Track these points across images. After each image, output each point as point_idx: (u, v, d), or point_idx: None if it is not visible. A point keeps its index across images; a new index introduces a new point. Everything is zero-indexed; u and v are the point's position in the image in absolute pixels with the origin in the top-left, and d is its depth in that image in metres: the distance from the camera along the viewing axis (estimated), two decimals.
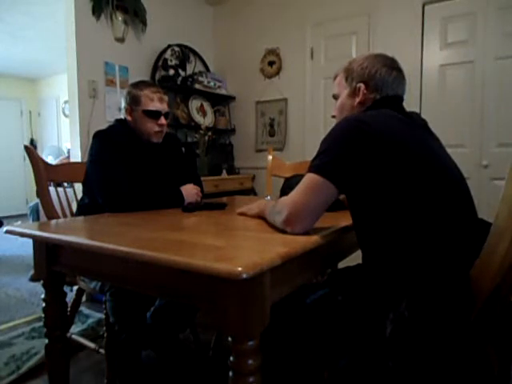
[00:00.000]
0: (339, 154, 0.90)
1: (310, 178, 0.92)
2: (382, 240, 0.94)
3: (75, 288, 1.64)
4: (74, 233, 1.05)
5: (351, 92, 1.10)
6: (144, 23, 2.98)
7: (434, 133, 1.06)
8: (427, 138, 1.00)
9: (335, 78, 1.18)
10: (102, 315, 2.01)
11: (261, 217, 1.16)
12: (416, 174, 0.89)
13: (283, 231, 0.94)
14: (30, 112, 6.78)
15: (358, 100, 1.08)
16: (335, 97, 1.17)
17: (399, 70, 1.08)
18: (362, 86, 1.07)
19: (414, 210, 0.88)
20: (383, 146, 0.88)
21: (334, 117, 1.17)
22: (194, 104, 3.44)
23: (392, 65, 1.08)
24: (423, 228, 0.88)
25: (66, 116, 6.13)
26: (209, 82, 3.40)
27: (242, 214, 1.28)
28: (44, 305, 1.16)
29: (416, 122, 1.02)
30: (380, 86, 1.05)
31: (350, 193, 0.99)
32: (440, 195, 0.89)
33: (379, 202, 0.92)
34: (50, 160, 4.53)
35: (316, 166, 0.92)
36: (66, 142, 5.89)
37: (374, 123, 0.91)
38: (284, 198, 0.97)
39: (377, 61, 1.08)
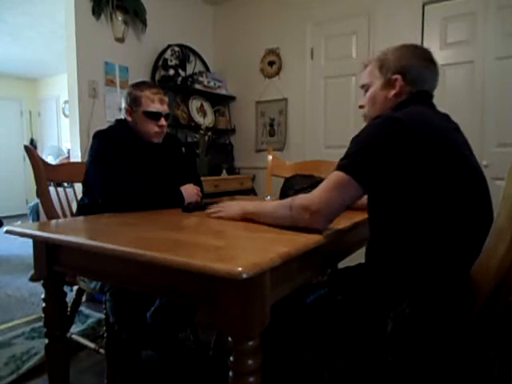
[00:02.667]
0: (373, 155, 0.87)
1: (338, 176, 0.90)
2: (393, 236, 0.94)
3: (75, 288, 1.64)
4: (74, 233, 1.05)
5: (385, 83, 1.04)
6: (144, 23, 2.98)
7: (464, 136, 1.03)
8: (463, 141, 0.98)
9: (365, 66, 1.12)
10: (102, 315, 2.01)
11: (247, 219, 1.11)
12: (448, 175, 0.88)
13: (293, 228, 0.93)
14: (30, 112, 6.78)
15: (393, 92, 1.03)
16: (364, 86, 1.12)
17: (435, 64, 1.05)
18: (400, 77, 1.02)
19: (430, 210, 0.88)
20: (422, 145, 0.86)
21: (361, 107, 1.13)
22: (194, 104, 3.44)
23: (429, 58, 1.04)
24: (431, 228, 0.88)
25: (65, 116, 6.13)
26: (209, 82, 3.40)
27: (218, 217, 1.17)
28: (44, 305, 1.15)
29: (450, 124, 1.00)
30: (417, 79, 1.01)
31: (374, 191, 0.97)
32: (463, 198, 0.89)
33: (400, 200, 0.91)
34: (50, 160, 4.53)
35: (347, 165, 0.90)
36: (65, 141, 5.88)
37: (412, 122, 0.88)
38: (306, 195, 0.95)
39: (414, 53, 1.04)
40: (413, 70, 1.01)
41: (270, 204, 1.07)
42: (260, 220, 1.06)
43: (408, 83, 1.02)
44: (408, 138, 0.86)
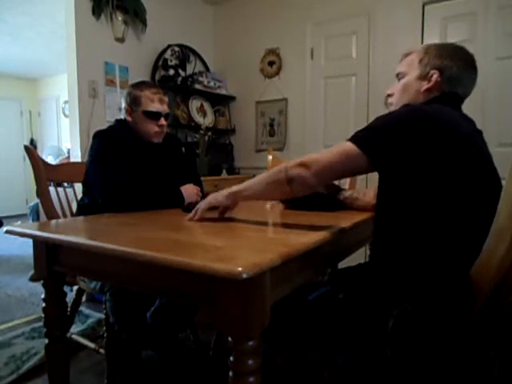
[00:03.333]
0: (388, 134, 0.86)
1: (346, 145, 0.89)
2: (397, 234, 0.94)
3: (75, 288, 1.64)
4: (74, 233, 1.05)
5: (422, 75, 1.03)
6: (144, 23, 2.98)
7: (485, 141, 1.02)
8: (483, 145, 0.98)
9: (406, 55, 1.10)
10: (102, 315, 2.01)
11: (235, 201, 1.08)
12: (464, 176, 0.87)
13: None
14: (30, 112, 6.78)
15: (426, 86, 1.02)
16: (399, 75, 1.10)
17: (476, 71, 1.03)
18: (437, 73, 1.00)
19: (435, 208, 0.88)
20: (443, 143, 0.85)
21: (389, 95, 1.12)
22: (194, 104, 3.44)
23: (472, 63, 1.03)
24: (434, 227, 0.88)
25: (65, 116, 6.13)
26: (209, 82, 3.40)
27: (199, 219, 1.14)
28: (44, 305, 1.15)
29: (474, 127, 1.00)
30: (453, 80, 1.00)
31: (383, 173, 0.97)
32: (473, 200, 0.89)
33: (408, 193, 0.90)
34: (50, 160, 4.53)
35: (359, 137, 0.89)
36: (65, 141, 5.88)
37: (439, 119, 0.87)
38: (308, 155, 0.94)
39: (458, 54, 1.02)
40: (451, 70, 1.00)
41: (259, 175, 1.04)
42: (247, 193, 1.02)
43: (444, 81, 1.00)
44: (431, 133, 0.85)
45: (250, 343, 0.74)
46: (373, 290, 0.95)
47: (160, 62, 3.16)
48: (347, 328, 0.94)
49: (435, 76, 1.01)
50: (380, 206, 1.02)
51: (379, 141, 0.87)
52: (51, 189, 1.60)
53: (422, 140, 0.85)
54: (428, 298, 0.83)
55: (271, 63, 3.42)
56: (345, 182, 2.00)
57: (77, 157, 2.63)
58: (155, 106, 1.51)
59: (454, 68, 1.00)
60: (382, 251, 1.00)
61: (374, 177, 1.02)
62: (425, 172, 0.87)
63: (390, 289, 0.90)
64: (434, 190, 0.88)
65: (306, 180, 0.91)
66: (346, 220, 1.09)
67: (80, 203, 1.56)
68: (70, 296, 1.57)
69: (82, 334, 2.00)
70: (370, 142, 0.87)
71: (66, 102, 6.03)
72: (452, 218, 0.88)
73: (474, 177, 0.89)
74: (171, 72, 3.18)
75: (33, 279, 2.94)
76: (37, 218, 3.63)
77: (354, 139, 0.89)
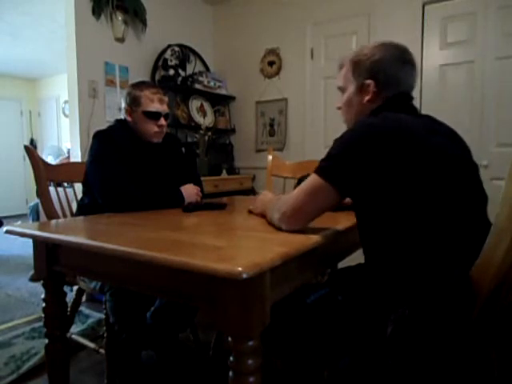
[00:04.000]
0: (347, 160, 0.87)
1: (313, 179, 0.91)
2: (386, 240, 0.94)
3: (75, 288, 1.64)
4: (74, 233, 1.05)
5: (359, 87, 1.03)
6: (144, 23, 2.98)
7: (452, 130, 1.01)
8: (445, 143, 0.95)
9: (341, 67, 1.10)
10: (102, 315, 2.01)
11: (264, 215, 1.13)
12: (428, 177, 0.87)
13: (280, 228, 0.96)
14: (30, 112, 6.78)
15: (367, 98, 1.01)
16: (340, 88, 1.10)
17: (411, 63, 1.02)
18: (372, 83, 1.00)
19: (419, 211, 0.87)
20: (397, 149, 0.85)
21: (339, 108, 1.12)
22: (194, 104, 3.44)
23: (404, 57, 1.01)
24: (426, 229, 0.88)
25: (66, 116, 6.13)
26: (209, 82, 3.40)
27: (250, 212, 1.29)
28: (44, 305, 1.16)
29: (433, 125, 0.98)
30: (390, 82, 0.99)
31: (354, 197, 0.98)
32: (451, 198, 0.88)
33: (386, 204, 0.90)
34: (50, 160, 4.53)
35: (322, 168, 0.91)
36: (65, 141, 5.88)
37: (385, 127, 0.88)
38: (285, 197, 0.97)
39: (387, 53, 1.00)
40: (385, 73, 0.99)
41: (274, 201, 1.07)
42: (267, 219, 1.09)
43: (381, 88, 1.00)
44: (382, 143, 0.85)
45: (250, 343, 0.74)
46: (371, 293, 0.95)
47: (160, 62, 3.16)
48: (346, 329, 0.94)
49: (371, 86, 1.00)
50: (361, 220, 1.01)
51: (339, 168, 0.88)
52: (51, 189, 1.60)
53: (375, 153, 0.85)
54: (427, 300, 0.82)
55: (271, 63, 3.42)
56: None
57: (77, 157, 2.63)
58: (155, 106, 1.51)
59: (387, 70, 0.99)
60: (376, 255, 0.99)
61: None
62: (391, 182, 0.87)
63: (388, 292, 0.90)
64: (405, 197, 0.87)
65: (294, 228, 0.94)
66: (345, 220, 1.09)
67: (80, 203, 1.56)
68: (70, 296, 1.57)
69: (82, 334, 2.00)
70: (331, 171, 0.89)
71: (66, 102, 6.03)
72: (432, 220, 0.87)
73: (436, 177, 0.87)
74: (171, 72, 3.18)
75: (33, 279, 2.97)
76: (37, 217, 3.63)
77: (319, 171, 0.90)
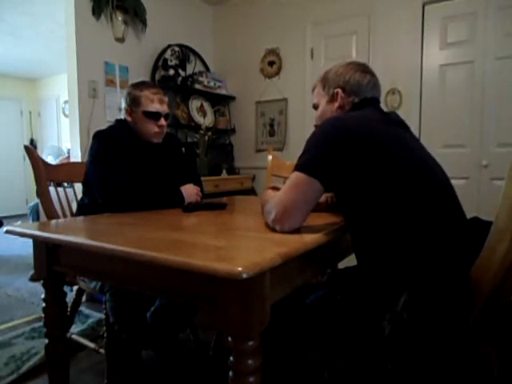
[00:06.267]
0: (321, 153, 0.93)
1: (295, 176, 0.94)
2: (374, 240, 0.95)
3: (75, 288, 1.64)
4: (74, 233, 1.05)
5: (329, 98, 1.15)
6: (144, 23, 2.98)
7: (412, 132, 1.09)
8: (406, 136, 1.02)
9: (313, 89, 1.23)
10: (102, 315, 2.00)
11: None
12: (394, 173, 0.92)
13: (274, 230, 0.95)
14: (30, 112, 6.78)
15: (336, 105, 1.13)
16: (315, 106, 1.22)
17: (372, 74, 1.14)
18: (340, 90, 1.12)
19: (399, 209, 0.90)
20: (361, 144, 0.91)
21: (316, 126, 1.18)
22: (194, 104, 3.44)
23: (365, 69, 1.14)
24: (414, 228, 0.88)
25: (66, 116, 6.13)
26: (209, 82, 3.40)
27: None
28: (44, 305, 1.16)
29: (394, 121, 1.05)
30: (356, 89, 1.11)
31: (336, 191, 1.02)
32: (421, 193, 0.91)
33: (365, 200, 0.94)
34: (50, 160, 4.53)
35: (300, 164, 0.95)
36: (66, 141, 5.89)
37: (352, 122, 0.95)
38: (273, 198, 0.98)
39: (350, 67, 1.14)
40: (350, 82, 1.11)
41: (271, 196, 1.08)
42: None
43: (349, 94, 1.12)
44: (345, 135, 0.92)
45: (250, 343, 0.74)
46: (367, 293, 0.95)
47: (160, 62, 3.16)
48: (346, 329, 0.94)
49: (339, 93, 1.12)
50: (349, 216, 1.03)
51: (315, 160, 0.93)
52: (51, 189, 1.60)
53: (343, 146, 0.92)
54: (426, 300, 0.82)
55: (271, 63, 3.42)
56: None
57: (77, 157, 2.63)
58: (155, 107, 1.51)
59: (351, 79, 1.11)
60: (367, 256, 1.00)
61: None
62: (364, 175, 0.92)
63: (384, 291, 0.90)
64: (382, 192, 0.92)
65: (289, 227, 0.94)
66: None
67: (80, 203, 1.56)
68: (70, 296, 1.57)
69: (82, 333, 2.00)
70: (310, 165, 0.93)
71: (65, 102, 6.03)
72: (425, 216, 0.90)
73: (401, 170, 0.92)
74: (171, 72, 3.18)
75: (33, 279, 2.97)
76: (37, 217, 3.62)
77: (298, 168, 0.95)
